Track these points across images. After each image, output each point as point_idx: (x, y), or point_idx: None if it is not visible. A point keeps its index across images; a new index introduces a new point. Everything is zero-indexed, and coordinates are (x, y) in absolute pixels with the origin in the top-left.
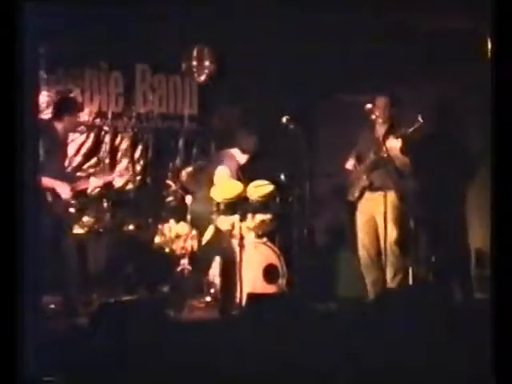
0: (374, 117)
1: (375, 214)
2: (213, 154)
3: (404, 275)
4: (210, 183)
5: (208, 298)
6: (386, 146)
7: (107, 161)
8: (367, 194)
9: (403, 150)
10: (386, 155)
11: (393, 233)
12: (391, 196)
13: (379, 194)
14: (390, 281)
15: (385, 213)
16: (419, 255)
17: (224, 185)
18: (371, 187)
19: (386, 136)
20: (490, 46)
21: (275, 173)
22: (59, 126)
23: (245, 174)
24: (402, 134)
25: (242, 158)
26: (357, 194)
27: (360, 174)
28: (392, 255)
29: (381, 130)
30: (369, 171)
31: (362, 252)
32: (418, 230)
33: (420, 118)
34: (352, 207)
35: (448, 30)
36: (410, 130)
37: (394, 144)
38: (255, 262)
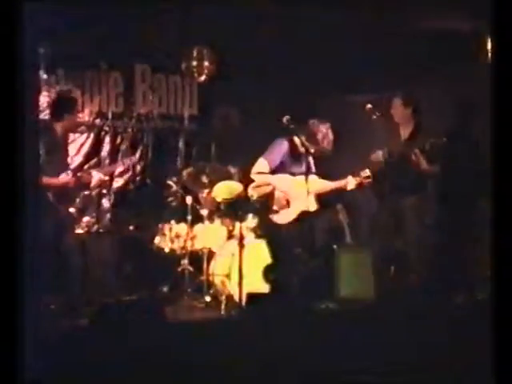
0: (374, 117)
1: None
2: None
3: (417, 275)
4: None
5: (208, 298)
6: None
7: (107, 161)
8: (381, 195)
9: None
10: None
11: (409, 233)
12: (406, 198)
13: (392, 196)
14: (403, 280)
15: (398, 214)
16: (420, 255)
17: (224, 185)
18: (384, 189)
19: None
20: (489, 46)
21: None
22: (58, 125)
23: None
24: (425, 148)
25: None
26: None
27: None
28: (406, 255)
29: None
30: (387, 172)
31: (373, 252)
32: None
33: (444, 139)
34: (354, 206)
35: (448, 29)
36: (432, 146)
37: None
38: (255, 262)
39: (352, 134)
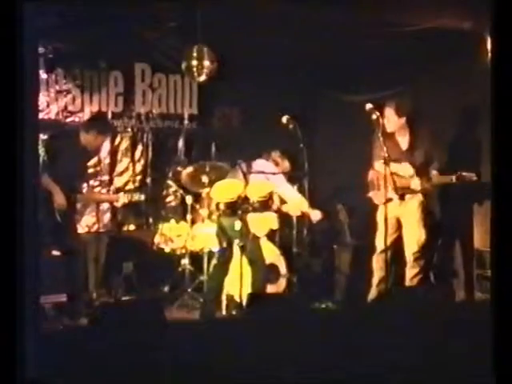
0: (374, 117)
1: (395, 216)
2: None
3: (424, 274)
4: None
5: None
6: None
7: (107, 161)
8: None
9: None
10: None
11: (416, 234)
12: (413, 199)
13: (401, 198)
14: (410, 280)
15: (407, 215)
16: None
17: (224, 185)
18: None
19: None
20: (489, 46)
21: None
22: (85, 139)
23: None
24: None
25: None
26: (382, 198)
27: (382, 177)
28: (415, 255)
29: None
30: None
31: (378, 252)
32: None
33: (454, 179)
34: (354, 207)
35: (448, 30)
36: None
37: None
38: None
39: (351, 138)
